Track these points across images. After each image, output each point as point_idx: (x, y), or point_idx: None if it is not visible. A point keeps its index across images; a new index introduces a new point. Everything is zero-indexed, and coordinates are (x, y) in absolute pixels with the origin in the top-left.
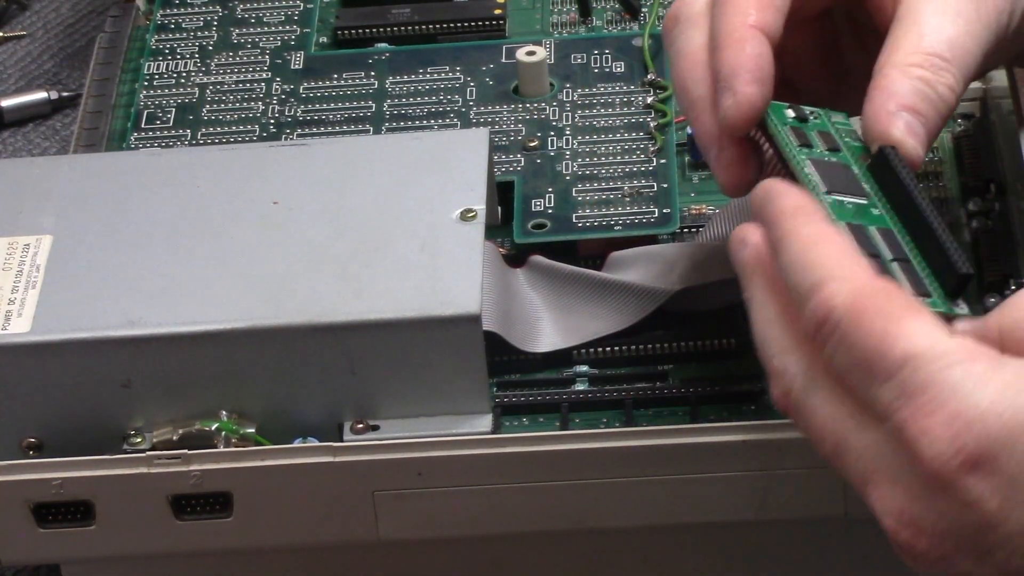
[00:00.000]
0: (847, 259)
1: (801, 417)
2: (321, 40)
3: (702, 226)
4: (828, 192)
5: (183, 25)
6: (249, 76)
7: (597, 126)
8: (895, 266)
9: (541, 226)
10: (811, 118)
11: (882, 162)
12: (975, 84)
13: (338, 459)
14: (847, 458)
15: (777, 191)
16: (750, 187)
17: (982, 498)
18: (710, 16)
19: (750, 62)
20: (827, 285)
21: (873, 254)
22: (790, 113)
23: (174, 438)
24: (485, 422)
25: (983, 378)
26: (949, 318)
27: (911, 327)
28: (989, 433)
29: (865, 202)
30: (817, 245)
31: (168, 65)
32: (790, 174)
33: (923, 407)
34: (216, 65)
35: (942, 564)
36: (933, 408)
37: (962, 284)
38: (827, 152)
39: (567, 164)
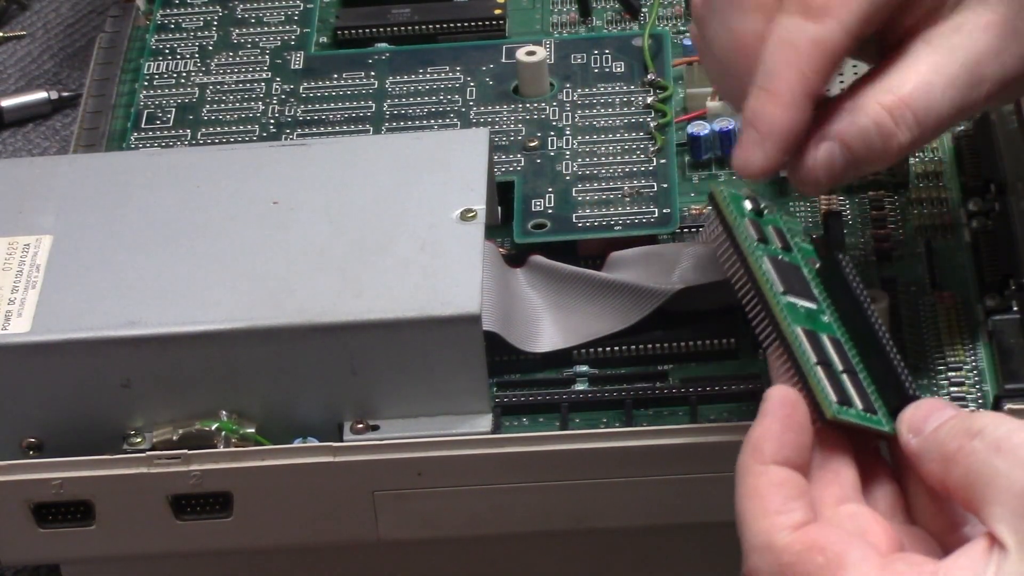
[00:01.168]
0: (773, 519)
1: None
2: (321, 40)
3: (702, 226)
4: (784, 293)
5: (183, 25)
6: (249, 76)
7: (597, 126)
8: (844, 378)
9: (541, 226)
10: (766, 212)
11: (832, 268)
12: None
13: (338, 459)
14: None
15: (761, 412)
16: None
17: None
18: (764, 8)
19: (793, 132)
20: (751, 556)
21: (826, 362)
22: (748, 205)
23: (174, 438)
24: (485, 422)
25: None
26: (889, 436)
27: None
28: None
29: (815, 307)
30: (751, 500)
31: (168, 65)
32: (742, 261)
33: None
34: (216, 65)
35: None
36: None
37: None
38: (781, 251)
39: (567, 164)
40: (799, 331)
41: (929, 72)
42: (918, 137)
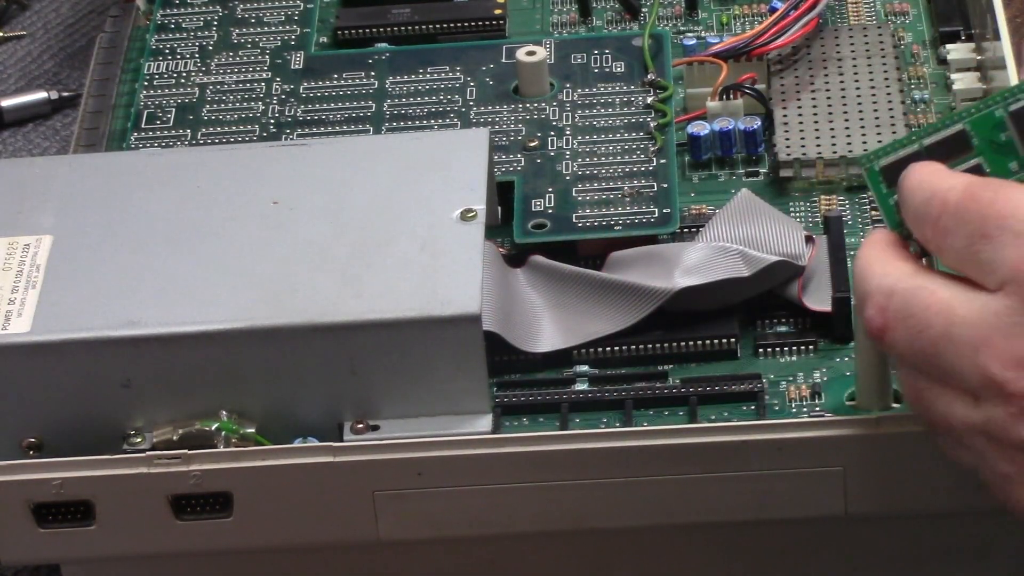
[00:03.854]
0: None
1: (901, 319)
2: (321, 40)
3: (702, 226)
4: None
5: (183, 25)
6: (249, 76)
7: (597, 126)
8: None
9: (541, 226)
10: None
11: None
12: (975, 84)
13: (338, 459)
14: (955, 332)
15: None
16: None
17: None
18: None
19: None
20: (939, 189)
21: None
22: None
23: (174, 438)
24: (485, 422)
25: None
26: None
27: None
28: None
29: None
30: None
31: (168, 65)
32: None
33: None
34: (216, 65)
35: None
36: None
37: None
38: None
39: (567, 164)
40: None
41: None
42: None
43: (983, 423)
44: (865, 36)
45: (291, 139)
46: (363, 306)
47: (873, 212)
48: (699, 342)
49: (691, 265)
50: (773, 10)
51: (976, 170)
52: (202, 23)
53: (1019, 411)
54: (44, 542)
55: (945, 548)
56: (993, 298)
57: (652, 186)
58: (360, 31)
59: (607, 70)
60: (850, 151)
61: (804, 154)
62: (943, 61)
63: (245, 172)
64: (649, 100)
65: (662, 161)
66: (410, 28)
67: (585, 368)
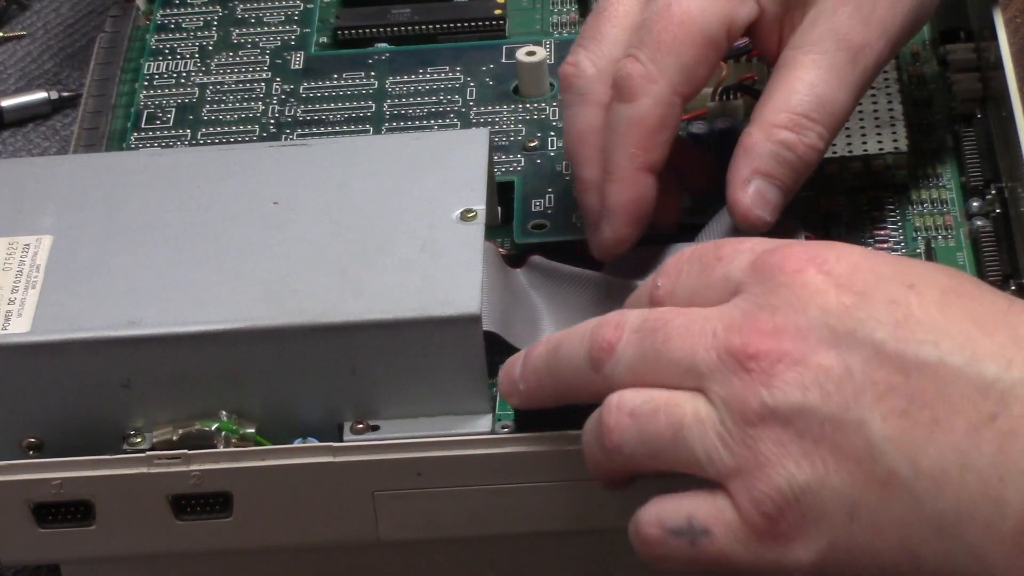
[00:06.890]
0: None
1: (635, 328)
2: (321, 40)
3: (702, 226)
4: None
5: (183, 25)
6: (249, 76)
7: None
8: None
9: (541, 226)
10: None
11: None
12: (974, 84)
13: (338, 459)
14: (690, 324)
15: None
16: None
17: None
18: (599, 89)
19: (631, 205)
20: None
21: None
22: None
23: (174, 438)
24: (485, 422)
25: None
26: None
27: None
28: None
29: None
30: None
31: (168, 65)
32: None
33: None
34: (216, 65)
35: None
36: None
37: None
38: None
39: (567, 164)
40: None
41: (807, 72)
42: (828, 132)
43: (719, 404)
44: None
45: (291, 139)
46: (363, 306)
47: (873, 212)
48: None
49: None
50: None
51: None
52: (202, 23)
53: (761, 372)
54: (44, 542)
55: None
56: (727, 303)
57: None
58: (360, 31)
59: None
60: (850, 151)
61: None
62: (943, 61)
63: (245, 172)
64: None
65: None
66: (410, 28)
67: None
